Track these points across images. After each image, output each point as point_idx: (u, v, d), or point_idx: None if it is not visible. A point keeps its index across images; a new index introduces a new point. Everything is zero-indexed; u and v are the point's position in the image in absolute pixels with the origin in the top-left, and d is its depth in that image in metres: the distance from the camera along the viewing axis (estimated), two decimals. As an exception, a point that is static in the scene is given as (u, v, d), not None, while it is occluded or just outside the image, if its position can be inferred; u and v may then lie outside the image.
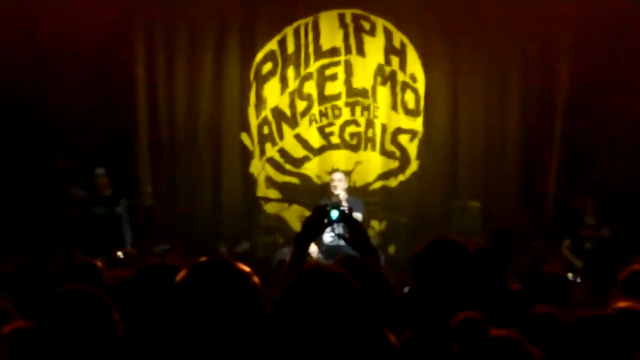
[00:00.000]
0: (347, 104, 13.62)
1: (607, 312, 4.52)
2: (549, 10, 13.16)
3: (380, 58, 13.57)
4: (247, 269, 2.79)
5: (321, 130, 13.64)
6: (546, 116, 13.41)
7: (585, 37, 13.08)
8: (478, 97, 13.58)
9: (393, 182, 13.67)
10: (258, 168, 13.67)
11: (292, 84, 13.58)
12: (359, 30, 13.60)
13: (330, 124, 13.63)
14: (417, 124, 13.62)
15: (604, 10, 12.79)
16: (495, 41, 13.53)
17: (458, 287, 3.47)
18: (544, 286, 5.92)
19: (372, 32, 13.59)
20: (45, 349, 3.13)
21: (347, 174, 13.14)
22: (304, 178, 13.51)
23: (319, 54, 13.59)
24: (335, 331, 2.71)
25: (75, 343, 3.10)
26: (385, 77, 13.58)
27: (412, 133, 13.63)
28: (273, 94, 13.61)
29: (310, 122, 13.62)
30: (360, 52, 13.60)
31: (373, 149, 13.64)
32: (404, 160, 13.64)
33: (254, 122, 13.66)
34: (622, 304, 4.61)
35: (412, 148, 13.64)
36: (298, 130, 13.63)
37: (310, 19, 13.61)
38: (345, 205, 4.58)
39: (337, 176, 11.76)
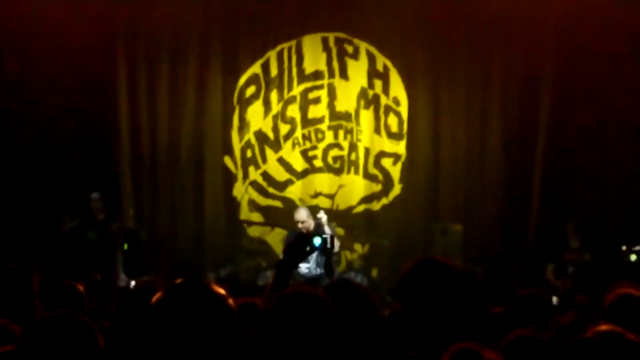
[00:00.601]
0: (330, 128, 13.64)
1: (588, 335, 4.52)
2: (530, 33, 13.24)
3: (363, 81, 13.61)
4: (222, 290, 2.79)
5: (304, 153, 13.65)
6: (528, 140, 13.45)
7: (565, 61, 13.16)
8: (460, 121, 13.61)
9: (376, 206, 13.68)
10: (241, 191, 13.66)
11: (276, 107, 13.60)
12: (342, 53, 13.64)
13: (314, 148, 13.65)
14: (400, 147, 13.65)
15: (585, 32, 12.87)
16: (476, 65, 13.58)
17: (445, 307, 3.47)
18: (526, 309, 5.92)
19: (355, 55, 13.63)
20: None
21: (331, 197, 13.22)
22: (287, 201, 13.50)
23: (302, 77, 13.62)
24: (314, 355, 2.72)
25: None
26: (369, 100, 13.61)
27: (395, 156, 13.65)
28: (256, 117, 13.62)
29: (294, 146, 13.63)
30: (344, 75, 13.63)
31: (356, 172, 13.65)
32: (387, 183, 13.65)
33: (237, 145, 13.66)
34: (603, 327, 4.61)
35: (395, 171, 13.66)
36: (281, 153, 13.64)
37: (293, 43, 13.64)
38: (327, 234, 4.61)
39: (300, 217, 11.57)
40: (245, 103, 13.63)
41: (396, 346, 3.84)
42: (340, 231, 13.02)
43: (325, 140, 13.64)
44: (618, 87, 13.03)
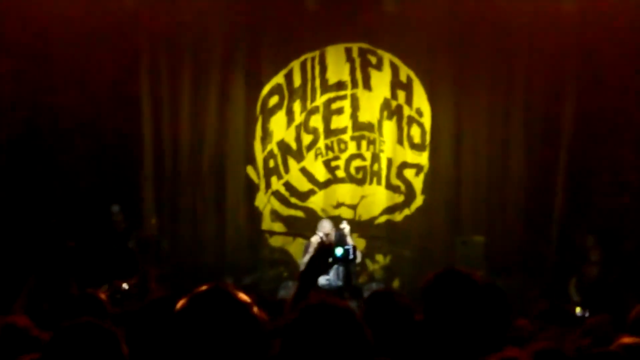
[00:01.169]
0: (353, 138, 13.64)
1: (611, 348, 4.50)
2: (553, 43, 13.18)
3: (386, 92, 13.61)
4: (247, 298, 2.78)
5: (327, 164, 13.65)
6: (550, 151, 13.40)
7: (588, 72, 13.11)
8: (483, 132, 13.58)
9: (398, 217, 13.66)
10: (263, 201, 13.67)
11: (299, 118, 13.61)
12: (365, 64, 13.64)
13: (336, 158, 13.65)
14: (423, 158, 13.63)
15: (608, 42, 12.80)
16: (499, 76, 13.55)
17: (467, 318, 3.46)
18: (548, 321, 5.91)
19: (378, 66, 13.63)
20: None
21: (353, 207, 13.25)
22: (309, 212, 13.51)
23: (326, 87, 13.63)
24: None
25: None
26: (392, 111, 13.61)
27: (418, 167, 13.64)
28: (279, 128, 13.65)
29: (316, 156, 13.64)
30: (367, 86, 13.64)
31: (379, 183, 13.64)
32: (409, 194, 13.63)
33: (259, 155, 13.68)
34: (627, 340, 4.59)
35: (418, 182, 13.64)
36: (304, 163, 13.64)
37: (317, 53, 13.66)
38: (349, 245, 4.61)
39: (325, 229, 11.54)
40: (268, 113, 13.65)
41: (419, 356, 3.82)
42: (361, 242, 13.02)
43: (348, 151, 13.64)
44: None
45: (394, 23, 13.38)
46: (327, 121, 13.62)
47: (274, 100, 13.66)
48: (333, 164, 13.65)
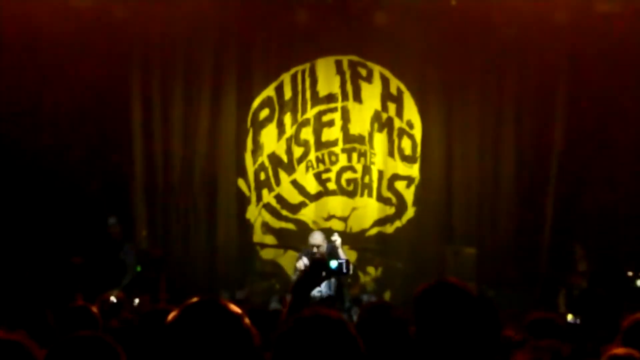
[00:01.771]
0: (343, 150, 13.66)
1: (602, 359, 4.51)
2: (543, 56, 13.24)
3: (377, 104, 13.63)
4: (238, 310, 2.78)
5: (318, 176, 13.66)
6: (541, 162, 13.45)
7: (579, 83, 13.16)
8: (473, 145, 13.61)
9: (389, 228, 13.67)
10: (254, 214, 13.67)
11: (289, 130, 13.63)
12: (356, 76, 13.67)
13: (327, 170, 13.66)
14: (414, 170, 13.65)
15: (598, 54, 12.86)
16: (489, 89, 13.59)
17: (458, 329, 3.47)
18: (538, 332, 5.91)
19: (369, 78, 13.66)
20: None
21: (344, 219, 13.28)
22: (301, 224, 13.51)
23: (316, 100, 13.65)
24: None
25: None
26: (382, 123, 13.63)
27: (409, 179, 13.65)
28: (270, 140, 13.66)
29: (307, 168, 13.65)
30: (357, 98, 13.66)
31: (370, 195, 13.66)
32: (401, 206, 13.65)
33: (250, 167, 13.69)
34: (618, 351, 4.60)
35: (409, 194, 13.66)
36: (295, 176, 13.65)
37: (307, 65, 13.68)
38: (343, 258, 4.63)
39: (316, 241, 11.53)
40: (259, 126, 13.67)
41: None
42: (352, 254, 13.03)
43: (339, 163, 13.65)
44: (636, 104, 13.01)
45: (384, 36, 13.42)
46: (317, 134, 13.64)
47: (264, 112, 13.68)
48: (324, 176, 13.66)
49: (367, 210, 13.65)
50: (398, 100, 13.69)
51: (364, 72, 13.68)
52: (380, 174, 13.62)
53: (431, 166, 13.64)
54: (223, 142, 13.66)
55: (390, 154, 13.65)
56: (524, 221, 13.45)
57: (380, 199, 13.64)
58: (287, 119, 13.64)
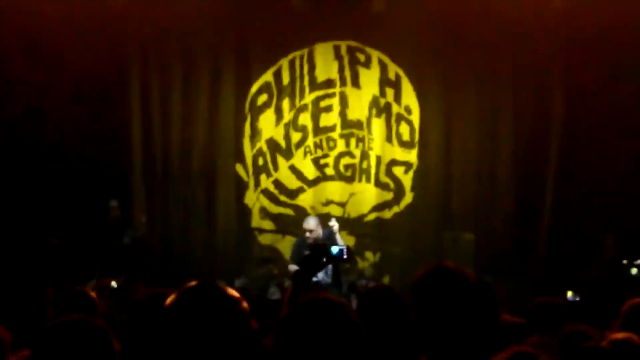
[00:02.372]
0: (342, 136, 13.65)
1: (603, 343, 4.52)
2: (541, 40, 13.21)
3: (375, 90, 13.62)
4: (236, 294, 2.78)
5: (316, 161, 13.66)
6: (540, 147, 13.43)
7: (577, 67, 13.13)
8: (471, 130, 13.61)
9: (387, 214, 13.67)
10: (252, 199, 13.68)
11: (287, 116, 13.62)
12: (354, 62, 13.66)
13: (325, 156, 13.66)
14: (412, 155, 13.65)
15: (596, 37, 12.82)
16: (488, 73, 13.58)
17: (457, 315, 3.47)
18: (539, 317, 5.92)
19: (367, 64, 13.65)
20: None
21: (342, 205, 13.29)
22: (299, 209, 13.51)
23: (314, 85, 13.64)
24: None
25: None
26: (380, 109, 13.62)
27: (407, 165, 13.65)
28: (268, 126, 13.65)
29: (305, 154, 13.64)
30: (356, 84, 13.65)
31: (368, 180, 13.65)
32: (399, 192, 13.65)
33: (248, 153, 13.68)
34: (618, 336, 4.61)
35: (407, 180, 13.66)
36: (293, 161, 13.65)
37: (305, 51, 13.67)
38: (342, 244, 4.65)
39: (309, 225, 11.44)
40: (257, 111, 13.65)
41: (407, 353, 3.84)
42: (350, 240, 13.04)
43: (337, 149, 13.65)
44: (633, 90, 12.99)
45: (382, 21, 13.39)
46: (316, 119, 13.63)
47: (262, 98, 13.67)
48: (322, 161, 13.66)
49: (365, 196, 13.66)
50: (396, 85, 13.67)
51: (362, 58, 13.67)
52: (378, 159, 13.61)
53: (429, 152, 13.64)
54: (221, 128, 13.66)
55: (389, 139, 13.64)
56: (523, 206, 13.45)
57: (379, 184, 13.64)
58: (285, 104, 13.63)
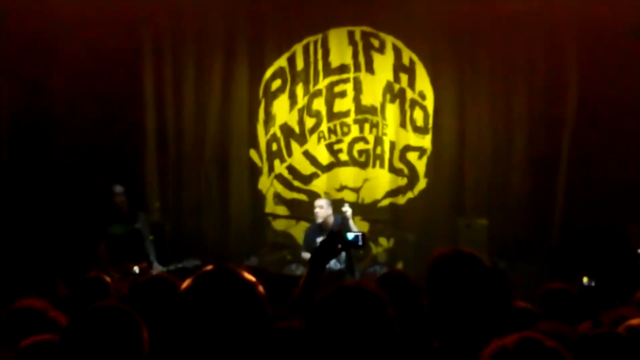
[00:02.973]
0: (355, 121, 13.64)
1: (614, 330, 4.51)
2: (556, 24, 13.19)
3: (389, 75, 13.60)
4: (252, 278, 2.79)
5: (330, 147, 13.66)
6: (554, 133, 13.41)
7: (591, 51, 13.09)
8: (486, 115, 13.59)
9: (401, 200, 13.67)
10: (266, 185, 13.68)
11: (301, 101, 13.61)
12: (368, 47, 13.63)
13: (339, 141, 13.65)
14: (426, 141, 13.63)
15: (610, 31, 12.80)
16: (502, 59, 13.54)
17: (471, 299, 3.48)
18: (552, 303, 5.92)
19: (381, 49, 13.62)
20: None
21: (356, 190, 13.29)
22: (313, 195, 13.49)
23: (328, 71, 13.62)
24: (360, 350, 2.75)
25: None
26: (394, 94, 13.60)
27: (421, 150, 13.64)
28: (282, 111, 13.64)
29: (319, 139, 13.64)
30: (370, 69, 13.63)
31: (382, 166, 13.65)
32: (413, 177, 13.64)
33: (262, 138, 13.68)
34: (633, 322, 4.60)
35: (421, 165, 13.65)
36: (307, 147, 13.65)
37: (319, 36, 13.65)
38: (359, 232, 4.66)
39: (319, 203, 11.69)
40: (271, 96, 13.65)
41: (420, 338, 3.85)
42: (364, 225, 13.06)
43: (351, 134, 13.64)
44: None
45: (396, 6, 13.38)
46: (329, 104, 13.62)
47: (276, 83, 13.66)
48: (336, 147, 13.66)
49: (379, 181, 13.65)
50: (410, 71, 13.65)
51: (376, 43, 13.64)
52: (392, 145, 13.60)
53: (443, 137, 13.62)
54: (235, 113, 13.65)
55: (402, 125, 13.63)
56: (537, 192, 13.43)
57: (392, 170, 13.63)
58: (299, 89, 13.62)
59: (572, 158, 13.31)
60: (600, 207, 12.90)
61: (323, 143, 13.64)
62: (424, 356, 3.59)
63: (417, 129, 13.64)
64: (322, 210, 11.39)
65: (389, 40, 13.61)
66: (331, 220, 11.36)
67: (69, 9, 12.88)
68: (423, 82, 13.63)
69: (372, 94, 13.60)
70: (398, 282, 4.38)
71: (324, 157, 13.65)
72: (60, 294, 5.76)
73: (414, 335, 3.85)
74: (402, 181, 13.65)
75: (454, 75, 13.63)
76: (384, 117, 13.58)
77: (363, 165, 13.65)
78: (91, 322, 3.13)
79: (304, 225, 12.97)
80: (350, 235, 4.43)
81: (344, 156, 13.66)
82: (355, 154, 13.64)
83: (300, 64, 13.64)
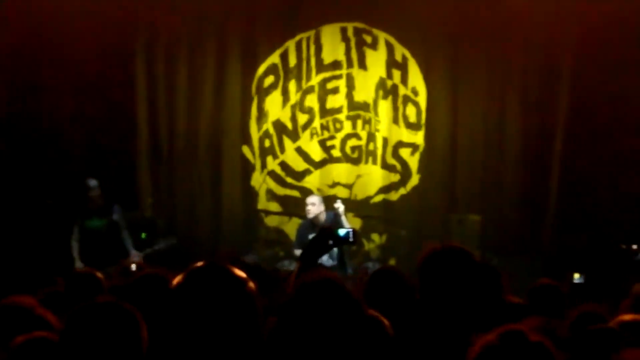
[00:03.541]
0: (348, 118, 13.64)
1: (610, 325, 4.52)
2: (550, 21, 13.18)
3: (382, 72, 13.60)
4: (243, 274, 2.79)
5: (322, 143, 13.65)
6: (547, 129, 13.42)
7: (586, 49, 13.10)
8: (478, 111, 13.60)
9: (394, 196, 13.67)
10: (259, 181, 13.68)
11: (294, 97, 13.61)
12: (360, 43, 13.63)
13: (332, 138, 13.65)
14: (419, 137, 13.64)
15: (606, 29, 12.80)
16: (496, 56, 13.55)
17: (462, 294, 3.49)
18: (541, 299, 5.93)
19: (374, 45, 13.62)
20: None
21: (349, 186, 13.28)
22: (305, 191, 13.48)
23: (321, 67, 13.62)
24: (333, 342, 2.73)
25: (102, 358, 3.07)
26: (387, 90, 13.60)
27: (414, 147, 13.65)
28: (274, 107, 13.64)
29: (312, 136, 13.64)
30: (362, 65, 13.63)
31: (374, 162, 13.65)
32: (405, 173, 13.65)
33: (255, 135, 13.68)
34: (626, 318, 4.61)
35: (413, 162, 13.66)
36: (299, 143, 13.65)
37: (312, 33, 13.64)
38: (351, 228, 4.67)
39: (311, 200, 11.67)
40: (264, 93, 13.64)
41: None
42: (357, 222, 13.06)
43: (344, 130, 13.64)
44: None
45: (389, 2, 13.39)
46: (322, 101, 13.62)
47: (269, 80, 13.65)
48: (328, 143, 13.66)
49: (372, 178, 13.66)
50: (403, 67, 13.66)
51: (369, 39, 13.64)
52: (385, 141, 13.61)
53: (436, 133, 13.63)
54: (228, 109, 13.65)
55: (395, 121, 13.64)
56: (529, 188, 13.45)
57: (385, 166, 13.64)
58: (292, 86, 13.62)
59: (566, 153, 13.31)
60: (593, 203, 12.92)
61: (316, 139, 13.64)
62: (416, 351, 3.59)
63: (409, 125, 13.65)
64: (314, 207, 11.39)
65: (382, 36, 13.62)
66: (323, 216, 11.35)
67: (62, 8, 12.86)
68: (416, 78, 13.64)
69: (365, 90, 13.61)
70: (391, 278, 4.39)
71: (317, 154, 13.65)
72: (52, 291, 5.73)
73: (406, 331, 3.85)
74: (395, 177, 13.65)
75: (446, 72, 13.64)
76: (376, 114, 13.59)
77: (356, 162, 13.65)
78: (91, 319, 3.11)
79: (296, 221, 12.95)
80: (341, 232, 4.43)
81: (336, 152, 13.66)
82: (348, 150, 13.64)
83: (292, 61, 13.64)
